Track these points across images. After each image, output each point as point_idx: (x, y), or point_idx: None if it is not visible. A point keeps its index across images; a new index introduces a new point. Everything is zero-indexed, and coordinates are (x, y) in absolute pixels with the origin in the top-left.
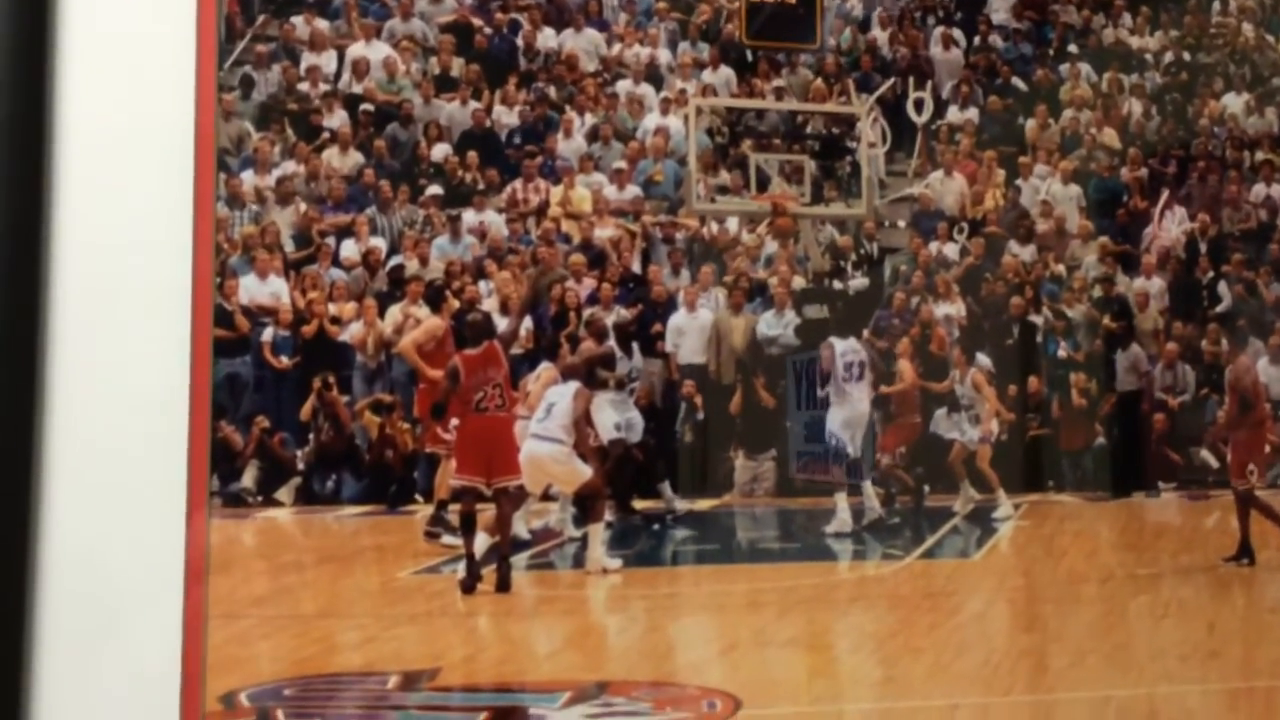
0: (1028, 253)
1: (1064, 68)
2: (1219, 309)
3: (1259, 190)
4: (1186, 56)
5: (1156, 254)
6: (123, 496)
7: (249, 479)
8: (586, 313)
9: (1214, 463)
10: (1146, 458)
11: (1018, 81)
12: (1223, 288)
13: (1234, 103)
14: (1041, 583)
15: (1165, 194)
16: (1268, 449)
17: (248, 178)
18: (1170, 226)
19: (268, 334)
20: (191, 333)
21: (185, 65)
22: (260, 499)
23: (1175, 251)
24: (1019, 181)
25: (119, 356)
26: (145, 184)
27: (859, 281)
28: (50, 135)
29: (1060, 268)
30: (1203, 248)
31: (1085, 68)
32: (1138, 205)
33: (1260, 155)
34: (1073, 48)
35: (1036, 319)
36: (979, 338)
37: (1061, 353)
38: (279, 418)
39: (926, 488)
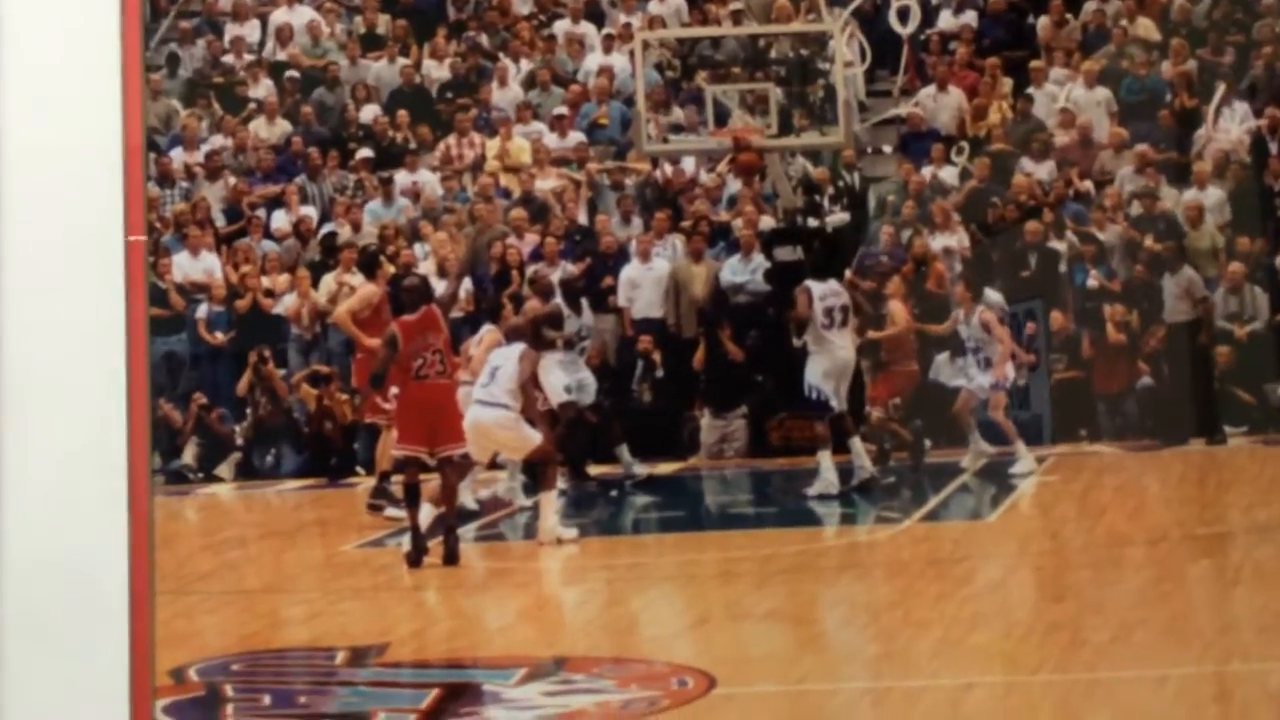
0: (1045, 170)
1: None
2: None
3: None
4: None
5: (1212, 159)
6: (67, 478)
7: (189, 456)
8: (530, 270)
9: None
10: (1208, 398)
11: None
12: None
13: None
14: (1074, 546)
15: (1221, 88)
16: None
17: (177, 155)
18: (1229, 126)
19: (202, 310)
20: (127, 313)
21: (111, 49)
22: (201, 475)
23: (1237, 155)
24: (1031, 90)
25: (57, 341)
26: (77, 169)
27: (838, 217)
28: None
29: (1087, 184)
30: (1274, 148)
31: None
32: (1184, 104)
33: None
34: None
35: (1059, 245)
36: (987, 271)
37: (1092, 282)
38: (216, 394)
39: (928, 442)
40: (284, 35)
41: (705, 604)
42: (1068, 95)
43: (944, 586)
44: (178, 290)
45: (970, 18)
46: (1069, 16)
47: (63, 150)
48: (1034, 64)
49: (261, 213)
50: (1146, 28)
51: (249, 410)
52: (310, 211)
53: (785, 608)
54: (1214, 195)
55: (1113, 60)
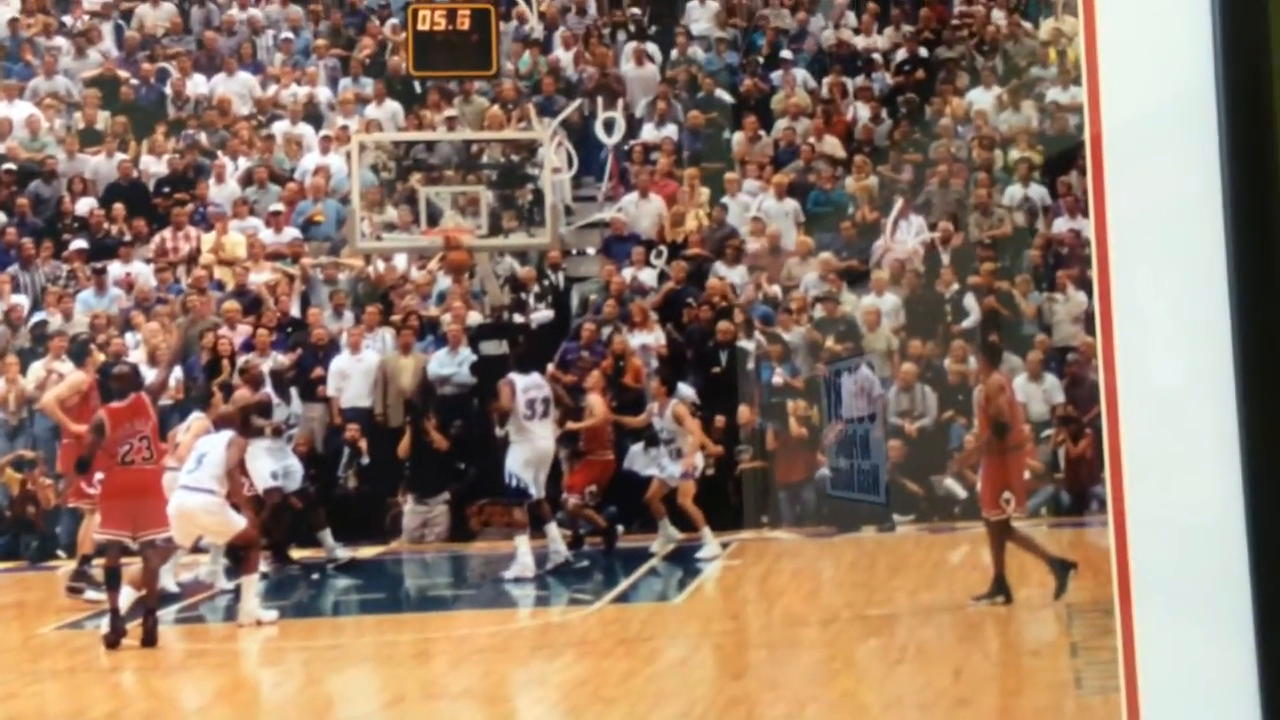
0: (737, 274)
1: (776, 75)
2: (965, 324)
3: (1014, 192)
4: (923, 52)
5: (889, 268)
6: None
7: None
8: (241, 360)
9: (961, 492)
10: (879, 489)
11: (722, 94)
12: (970, 300)
13: (982, 99)
14: (753, 626)
15: (900, 202)
16: (1027, 475)
17: None
18: (906, 237)
19: None
20: None
21: None
22: None
23: (912, 264)
24: (725, 199)
25: None
26: None
27: (542, 314)
28: None
29: (775, 288)
30: (945, 258)
31: (801, 73)
32: (866, 217)
33: (1015, 154)
34: (786, 53)
35: (748, 344)
36: (681, 367)
37: (777, 379)
38: None
39: (620, 528)
40: (2, 129)
41: (401, 684)
42: (759, 205)
43: (631, 664)
44: None
45: (671, 131)
46: (762, 133)
47: None
48: (729, 175)
49: None
50: (833, 145)
51: None
52: (21, 300)
53: (478, 687)
54: (890, 301)
55: (801, 174)
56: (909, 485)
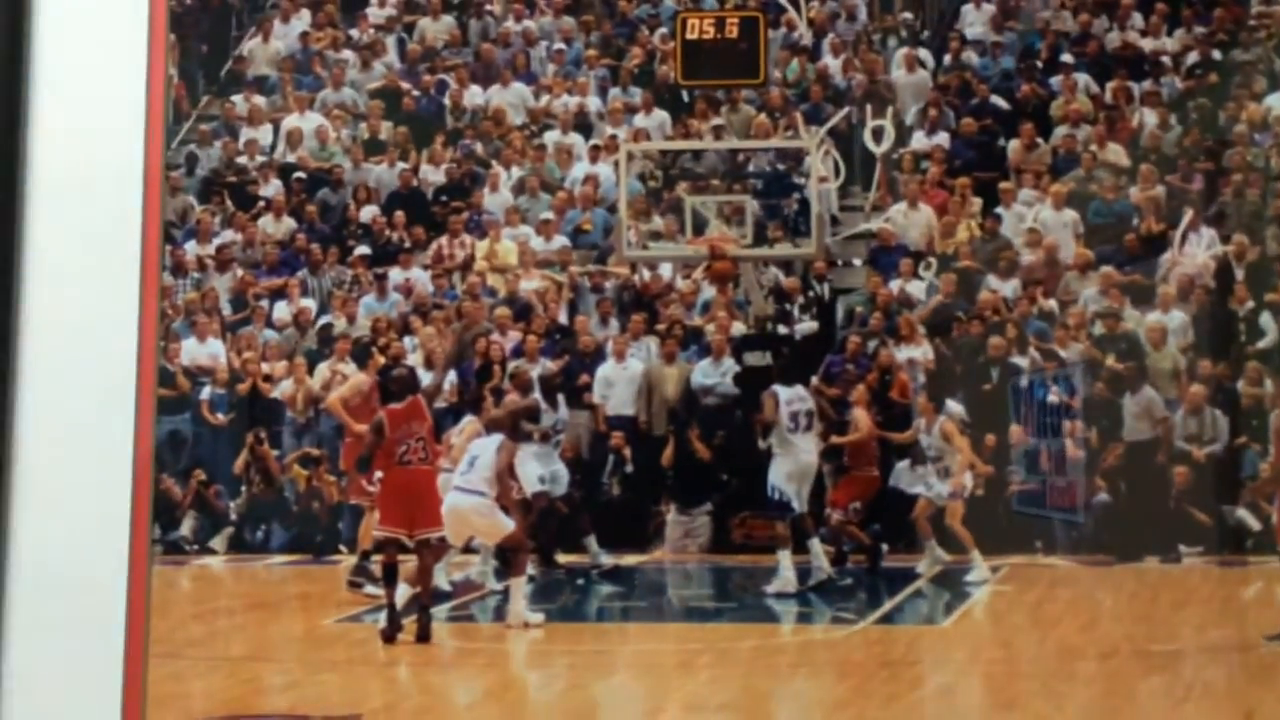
0: (1010, 288)
1: (1056, 80)
2: (1261, 344)
3: None
4: (1216, 55)
5: (1177, 283)
6: (72, 543)
7: (187, 528)
8: (511, 365)
9: (1254, 524)
10: (1164, 517)
11: (997, 100)
12: (1266, 319)
13: None
14: (1025, 656)
15: (1189, 214)
16: None
17: (190, 248)
18: (1195, 251)
19: (206, 392)
20: (137, 392)
21: (135, 149)
22: (196, 547)
23: (1202, 280)
24: (999, 209)
25: (72, 416)
26: (97, 258)
27: (807, 325)
28: (15, 214)
29: (1051, 303)
30: (1239, 274)
31: (1083, 78)
32: (1151, 229)
33: None
34: (1067, 57)
35: (1021, 361)
36: (949, 383)
37: (1052, 398)
38: (215, 471)
39: (885, 546)
40: (294, 139)
41: (663, 694)
42: (1035, 216)
43: (896, 688)
44: (184, 373)
45: (942, 139)
46: (1039, 140)
47: (85, 240)
48: (1003, 185)
49: (265, 303)
50: (1116, 153)
51: (244, 488)
52: (310, 303)
53: (739, 701)
54: (1177, 318)
55: (1081, 184)
56: (1196, 514)
